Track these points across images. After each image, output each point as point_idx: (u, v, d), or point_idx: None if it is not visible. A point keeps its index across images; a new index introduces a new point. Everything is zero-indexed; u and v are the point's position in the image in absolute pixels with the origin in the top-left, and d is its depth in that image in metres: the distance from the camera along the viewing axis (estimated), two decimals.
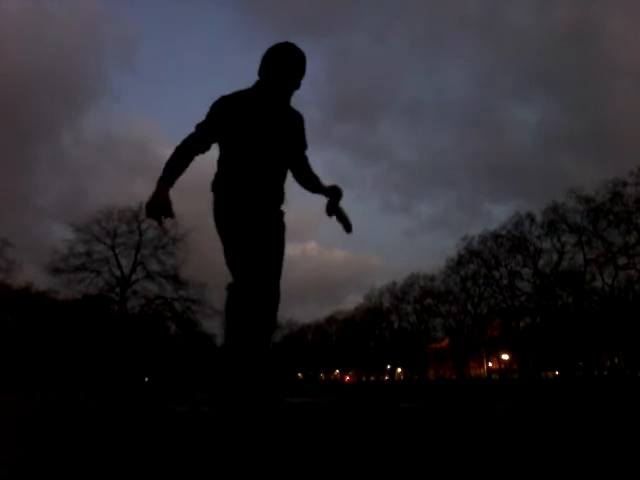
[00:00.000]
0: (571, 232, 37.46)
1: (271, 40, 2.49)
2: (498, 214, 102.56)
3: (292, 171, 2.75)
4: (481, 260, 43.10)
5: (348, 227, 2.76)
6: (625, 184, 33.77)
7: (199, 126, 2.55)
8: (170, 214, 2.36)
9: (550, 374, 46.70)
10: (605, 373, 40.32)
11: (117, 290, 38.15)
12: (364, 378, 65.44)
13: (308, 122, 2.75)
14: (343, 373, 73.55)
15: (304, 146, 2.80)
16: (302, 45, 2.57)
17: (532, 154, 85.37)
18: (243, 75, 3.51)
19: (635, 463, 1.52)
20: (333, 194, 2.74)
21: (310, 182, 2.80)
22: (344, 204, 2.79)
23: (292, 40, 2.57)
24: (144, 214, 2.43)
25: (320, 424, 3.12)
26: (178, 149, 2.50)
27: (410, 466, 1.48)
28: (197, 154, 2.53)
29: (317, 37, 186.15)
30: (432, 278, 49.15)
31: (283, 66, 2.52)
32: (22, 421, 3.56)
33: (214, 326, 40.83)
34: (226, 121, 2.50)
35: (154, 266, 38.57)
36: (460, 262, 44.41)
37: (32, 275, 61.36)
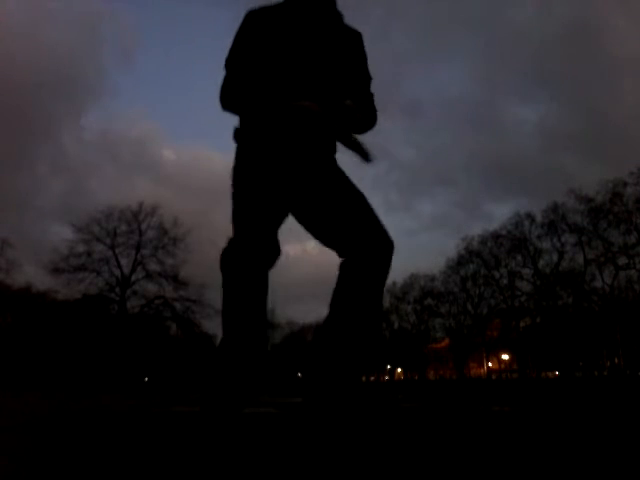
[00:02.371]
0: (571, 232, 37.55)
1: None
2: (498, 214, 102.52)
3: None
4: (481, 260, 43.14)
5: (366, 155, 1.87)
6: (625, 184, 33.84)
7: (229, 61, 1.91)
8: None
9: (550, 374, 46.70)
10: (605, 373, 40.32)
11: (117, 290, 38.24)
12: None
13: None
14: None
15: (367, 78, 2.02)
16: None
17: (532, 154, 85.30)
18: None
19: (635, 463, 1.52)
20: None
21: (367, 128, 1.98)
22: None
23: None
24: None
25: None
26: (228, 100, 1.90)
27: (409, 466, 1.48)
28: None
29: None
30: (432, 278, 49.18)
31: None
32: (22, 421, 3.56)
33: (214, 326, 40.87)
34: (260, 43, 1.87)
35: (154, 266, 38.67)
36: (460, 262, 44.48)
37: (32, 275, 61.42)
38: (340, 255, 1.81)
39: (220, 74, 2.00)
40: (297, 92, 1.80)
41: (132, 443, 2.12)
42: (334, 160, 1.94)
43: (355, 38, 1.99)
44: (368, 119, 1.95)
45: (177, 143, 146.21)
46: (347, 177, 1.90)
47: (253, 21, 1.91)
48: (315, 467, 1.45)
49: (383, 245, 1.77)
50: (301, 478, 1.33)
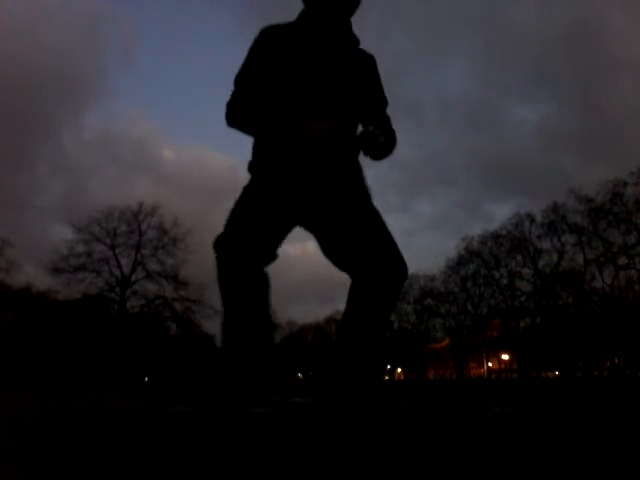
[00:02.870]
0: (571, 232, 37.56)
1: None
2: (498, 214, 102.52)
3: None
4: (481, 260, 43.14)
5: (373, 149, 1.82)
6: (625, 184, 33.85)
7: (240, 78, 1.88)
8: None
9: (550, 374, 46.69)
10: (605, 373, 40.32)
11: (117, 290, 38.25)
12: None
13: None
14: None
15: (383, 101, 2.02)
16: None
17: (532, 154, 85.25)
18: None
19: (635, 463, 1.51)
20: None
21: (389, 151, 1.96)
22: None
23: None
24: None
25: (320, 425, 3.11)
26: (234, 117, 1.87)
27: (409, 466, 1.48)
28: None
29: None
30: (432, 278, 49.15)
31: None
32: (22, 422, 3.56)
33: (214, 326, 40.87)
34: (273, 62, 1.84)
35: (154, 266, 38.67)
36: (460, 262, 44.48)
37: (32, 275, 61.38)
38: (352, 277, 1.79)
39: (222, 73, 2.00)
40: (309, 113, 1.78)
41: (132, 443, 2.12)
42: (357, 180, 1.90)
43: (369, 62, 1.98)
44: (389, 143, 1.93)
45: (177, 143, 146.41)
46: (368, 197, 1.88)
47: (267, 39, 1.87)
48: (313, 467, 1.45)
49: (395, 271, 1.74)
50: (299, 478, 1.33)
